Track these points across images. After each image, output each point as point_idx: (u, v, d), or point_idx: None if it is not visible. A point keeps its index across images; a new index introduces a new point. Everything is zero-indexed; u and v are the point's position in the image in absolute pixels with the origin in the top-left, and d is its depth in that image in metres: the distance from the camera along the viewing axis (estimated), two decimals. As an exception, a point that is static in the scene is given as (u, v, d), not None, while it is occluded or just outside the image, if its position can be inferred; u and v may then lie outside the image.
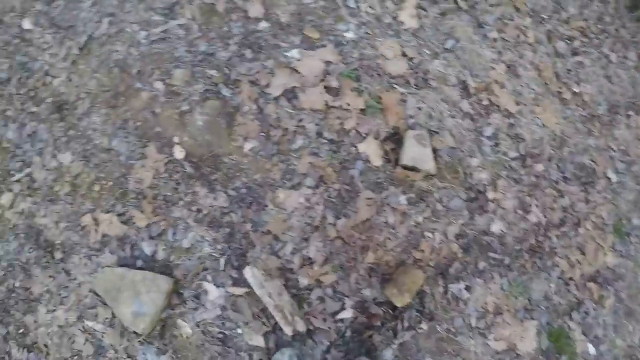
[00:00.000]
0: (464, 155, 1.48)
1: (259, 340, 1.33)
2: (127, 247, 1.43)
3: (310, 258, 1.36)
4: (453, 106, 1.51)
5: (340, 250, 1.36)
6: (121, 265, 1.42)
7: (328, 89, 1.44)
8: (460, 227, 1.42)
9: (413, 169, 1.41)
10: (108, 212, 1.47)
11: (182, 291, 1.37)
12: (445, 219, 1.42)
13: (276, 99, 1.45)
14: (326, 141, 1.43)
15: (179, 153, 1.45)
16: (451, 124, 1.47)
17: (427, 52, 1.54)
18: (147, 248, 1.41)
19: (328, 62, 1.46)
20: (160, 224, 1.42)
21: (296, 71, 1.46)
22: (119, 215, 1.45)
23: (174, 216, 1.42)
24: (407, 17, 1.54)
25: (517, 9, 1.81)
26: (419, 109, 1.47)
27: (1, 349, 1.52)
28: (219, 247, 1.38)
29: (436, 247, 1.39)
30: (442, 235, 1.40)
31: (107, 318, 1.40)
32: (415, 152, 1.42)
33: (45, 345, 1.46)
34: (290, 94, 1.45)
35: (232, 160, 1.44)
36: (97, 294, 1.43)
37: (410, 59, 1.51)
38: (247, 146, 1.44)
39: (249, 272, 1.33)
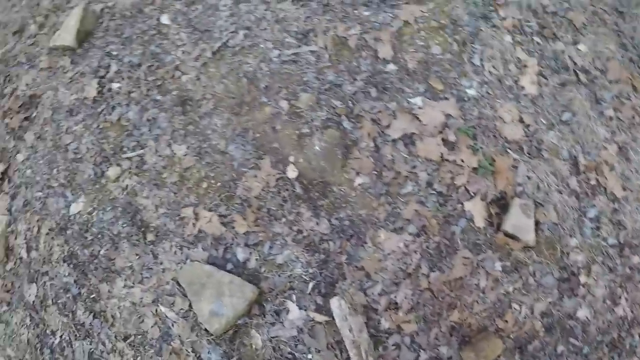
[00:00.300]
0: (564, 233, 1.48)
1: (330, 368, 1.38)
2: (221, 248, 1.51)
3: (396, 303, 1.40)
4: (561, 181, 1.52)
5: (428, 302, 1.39)
6: (210, 264, 1.50)
7: (445, 141, 1.49)
8: (548, 305, 1.42)
9: (513, 237, 1.43)
10: (210, 210, 1.56)
11: (264, 304, 1.44)
12: (535, 294, 1.43)
13: (394, 141, 1.51)
14: (434, 192, 1.47)
15: (291, 172, 1.52)
16: (557, 199, 1.49)
17: (544, 121, 1.56)
18: (240, 254, 1.49)
19: (448, 115, 1.51)
20: (259, 234, 1.49)
21: (417, 118, 1.51)
22: (221, 216, 1.54)
23: (274, 231, 1.49)
24: (528, 83, 1.57)
25: (635, 89, 1.80)
26: (529, 178, 1.49)
27: (68, 306, 1.64)
28: (310, 270, 1.44)
29: (520, 320, 1.40)
30: (528, 310, 1.41)
31: (182, 309, 1.49)
32: (519, 220, 1.44)
33: (112, 316, 1.57)
34: (408, 139, 1.51)
35: (341, 191, 1.50)
36: (179, 284, 1.52)
37: (527, 125, 1.54)
38: (358, 181, 1.50)
39: (335, 303, 1.38)
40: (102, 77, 1.86)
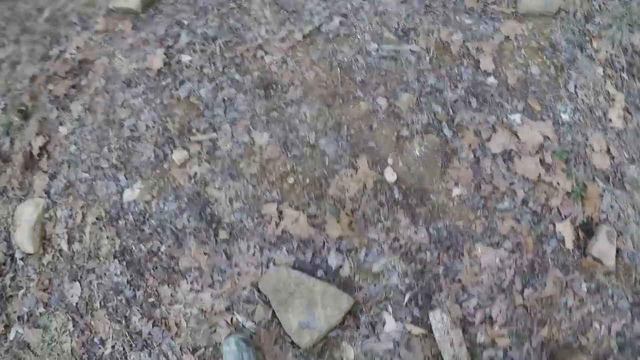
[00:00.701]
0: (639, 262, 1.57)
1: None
2: (309, 253, 1.41)
3: (491, 317, 1.39)
4: (639, 214, 1.60)
5: (521, 318, 1.40)
6: (296, 269, 1.39)
7: (542, 162, 1.50)
8: (622, 326, 1.49)
9: (598, 261, 1.48)
10: (297, 209, 1.44)
11: (359, 315, 1.36)
12: (612, 315, 1.49)
13: (494, 155, 1.49)
14: (529, 211, 1.47)
15: (390, 175, 1.45)
16: (634, 229, 1.56)
17: (626, 155, 1.63)
18: (332, 260, 1.39)
19: (546, 137, 1.53)
20: (353, 240, 1.40)
21: (516, 135, 1.51)
22: (310, 216, 1.43)
23: (370, 237, 1.41)
24: (615, 116, 1.64)
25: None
26: (612, 207, 1.55)
27: (121, 311, 1.43)
28: (407, 281, 1.38)
29: (599, 338, 1.46)
30: (606, 329, 1.47)
31: (264, 319, 1.36)
32: (603, 246, 1.49)
33: (177, 325, 1.40)
34: (507, 155, 1.50)
35: (439, 200, 1.46)
36: (258, 290, 1.39)
37: (612, 157, 1.60)
38: (456, 191, 1.46)
39: (437, 316, 1.34)
40: (170, 47, 1.65)
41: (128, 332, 1.37)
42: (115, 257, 1.48)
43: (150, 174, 1.54)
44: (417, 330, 1.35)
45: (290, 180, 1.48)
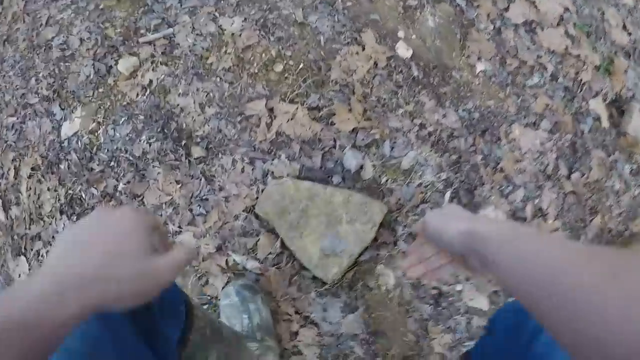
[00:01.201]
0: (661, 142, 1.44)
1: (481, 302, 1.05)
2: (317, 155, 1.06)
3: (541, 209, 1.15)
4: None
5: (572, 207, 1.18)
6: (304, 179, 1.04)
7: (567, 34, 1.31)
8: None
9: (635, 139, 1.33)
10: (293, 102, 1.09)
11: (394, 226, 1.04)
12: (653, 199, 1.34)
13: (515, 26, 1.26)
14: (561, 87, 1.27)
15: (404, 50, 1.15)
16: (657, 107, 1.44)
17: None
18: (349, 160, 1.06)
19: (565, 9, 1.34)
20: (372, 131, 1.08)
21: (535, 6, 1.31)
22: (312, 109, 1.09)
23: (391, 126, 1.10)
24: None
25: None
26: (636, 84, 1.41)
27: None
28: (443, 176, 1.09)
29: (645, 226, 1.30)
30: (651, 216, 1.32)
31: (271, 254, 1.00)
32: (638, 124, 1.34)
33: None
34: (529, 27, 1.28)
35: (462, 77, 1.19)
36: (257, 216, 1.02)
37: (629, 33, 1.47)
38: (480, 67, 1.21)
39: (490, 214, 1.07)
40: None
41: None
42: (62, 212, 1.03)
43: (91, 96, 1.11)
44: (464, 233, 1.08)
45: (278, 68, 1.13)
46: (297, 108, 1.08)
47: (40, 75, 1.21)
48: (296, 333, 0.99)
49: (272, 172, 1.05)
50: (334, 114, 1.08)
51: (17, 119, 1.20)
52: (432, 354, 1.03)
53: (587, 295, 0.28)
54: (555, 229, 1.15)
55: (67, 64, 1.22)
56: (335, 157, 1.06)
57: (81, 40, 1.22)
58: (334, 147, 1.06)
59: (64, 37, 1.25)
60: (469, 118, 1.15)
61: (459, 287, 1.04)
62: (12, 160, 1.18)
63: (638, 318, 0.25)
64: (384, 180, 1.05)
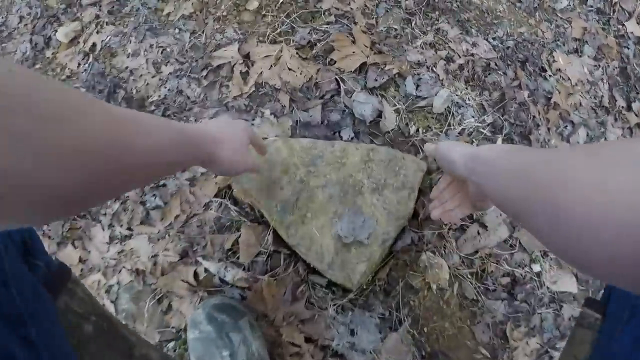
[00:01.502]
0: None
1: (568, 283, 0.77)
2: (315, 106, 0.76)
3: (610, 151, 0.91)
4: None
5: (641, 145, 0.95)
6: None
7: (583, -50, 1.12)
8: None
9: (678, 65, 1.14)
10: (276, 42, 0.79)
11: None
12: None
13: (529, -58, 1.06)
14: (592, 9, 1.06)
15: (409, -30, 0.90)
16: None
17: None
18: (361, 106, 0.76)
19: None
20: (387, 68, 0.80)
21: None
22: (301, 47, 0.79)
23: (411, 59, 0.82)
24: None
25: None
26: (659, 6, 1.24)
27: None
28: (488, 119, 0.82)
29: None
30: None
31: (261, 253, 0.68)
32: (676, 47, 1.15)
33: None
34: (543, -57, 1.08)
35: (483, 3, 0.95)
36: (235, 202, 0.71)
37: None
38: (502, -9, 0.98)
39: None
40: None
41: None
42: None
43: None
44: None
45: (253, 5, 0.83)
46: (281, 49, 0.78)
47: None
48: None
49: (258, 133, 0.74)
50: (333, 50, 0.79)
51: None
52: (517, 366, 0.73)
53: (563, 177, 0.26)
54: (631, 173, 0.91)
55: (3, 44, 0.94)
56: (342, 107, 0.76)
57: (21, 17, 0.98)
58: (338, 93, 0.77)
59: (2, 18, 0.98)
60: (502, 47, 0.91)
61: (536, 268, 0.76)
62: None
63: (614, 187, 0.21)
64: (413, 129, 0.77)
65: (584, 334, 0.44)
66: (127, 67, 0.83)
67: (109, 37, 0.90)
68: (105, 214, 0.68)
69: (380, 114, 0.76)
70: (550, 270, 0.77)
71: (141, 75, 0.79)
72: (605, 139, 0.90)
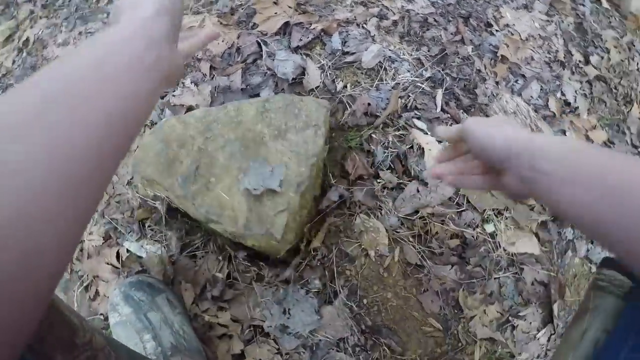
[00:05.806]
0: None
1: (528, 244, 0.68)
2: (235, 70, 0.71)
3: (568, 103, 0.84)
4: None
5: (602, 97, 0.87)
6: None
7: None
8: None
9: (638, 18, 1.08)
10: (198, 13, 0.75)
11: (371, 149, 0.67)
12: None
13: None
14: (541, -34, 1.02)
15: None
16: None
17: None
18: (283, 65, 0.70)
19: None
20: (312, 28, 0.75)
21: None
22: (223, 15, 0.75)
23: (338, 17, 0.77)
24: None
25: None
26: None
27: None
28: (427, 73, 0.76)
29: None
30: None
31: (175, 229, 0.61)
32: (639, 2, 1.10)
33: None
34: None
35: (422, -40, 0.91)
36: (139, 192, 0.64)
37: None
38: (440, -51, 0.94)
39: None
40: None
41: None
42: None
43: None
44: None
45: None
46: (203, 19, 0.74)
47: None
48: (241, 355, 0.57)
49: (174, 106, 0.69)
50: (255, 13, 0.74)
51: None
52: (476, 341, 0.64)
53: None
54: (592, 127, 0.83)
55: None
56: (264, 69, 0.71)
57: None
58: (260, 56, 0.72)
59: None
60: (443, 4, 0.86)
61: (489, 228, 0.68)
62: None
63: None
64: (340, 85, 0.70)
65: (604, 301, 0.35)
66: (56, 57, 0.79)
67: (41, 30, 0.87)
68: None
69: (303, 72, 0.70)
70: (507, 231, 0.69)
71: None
72: (562, 92, 0.84)
